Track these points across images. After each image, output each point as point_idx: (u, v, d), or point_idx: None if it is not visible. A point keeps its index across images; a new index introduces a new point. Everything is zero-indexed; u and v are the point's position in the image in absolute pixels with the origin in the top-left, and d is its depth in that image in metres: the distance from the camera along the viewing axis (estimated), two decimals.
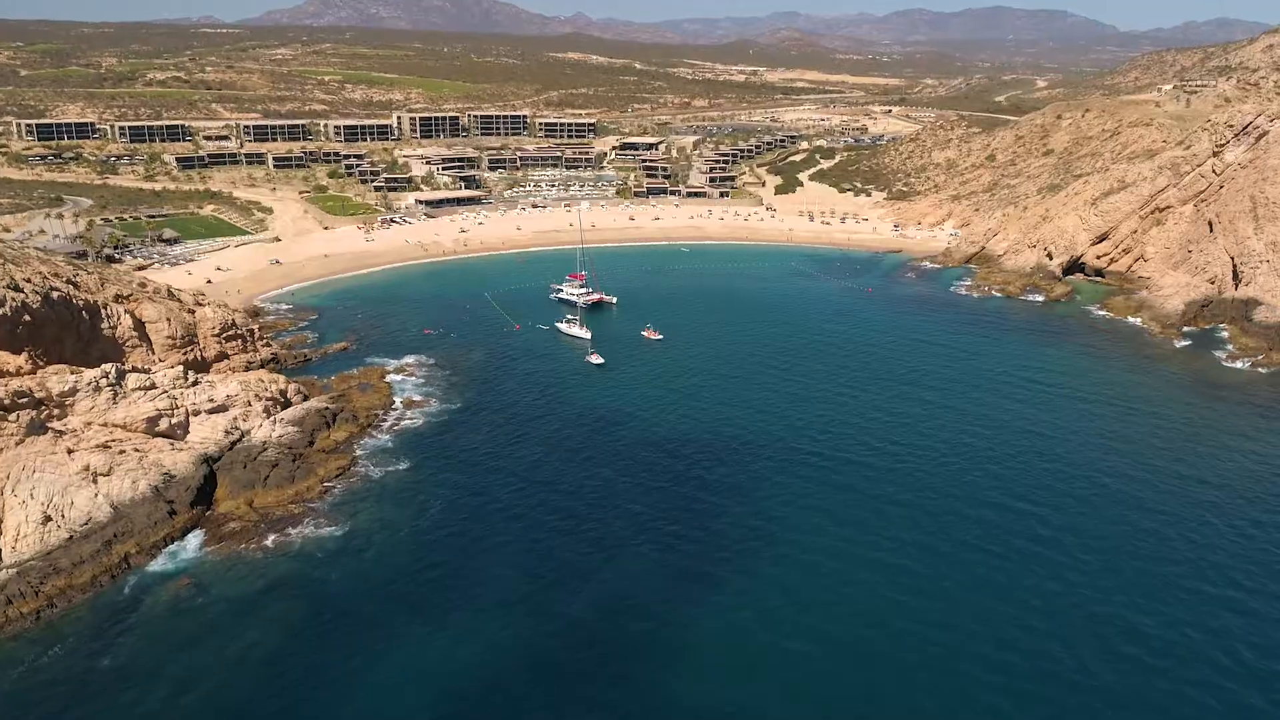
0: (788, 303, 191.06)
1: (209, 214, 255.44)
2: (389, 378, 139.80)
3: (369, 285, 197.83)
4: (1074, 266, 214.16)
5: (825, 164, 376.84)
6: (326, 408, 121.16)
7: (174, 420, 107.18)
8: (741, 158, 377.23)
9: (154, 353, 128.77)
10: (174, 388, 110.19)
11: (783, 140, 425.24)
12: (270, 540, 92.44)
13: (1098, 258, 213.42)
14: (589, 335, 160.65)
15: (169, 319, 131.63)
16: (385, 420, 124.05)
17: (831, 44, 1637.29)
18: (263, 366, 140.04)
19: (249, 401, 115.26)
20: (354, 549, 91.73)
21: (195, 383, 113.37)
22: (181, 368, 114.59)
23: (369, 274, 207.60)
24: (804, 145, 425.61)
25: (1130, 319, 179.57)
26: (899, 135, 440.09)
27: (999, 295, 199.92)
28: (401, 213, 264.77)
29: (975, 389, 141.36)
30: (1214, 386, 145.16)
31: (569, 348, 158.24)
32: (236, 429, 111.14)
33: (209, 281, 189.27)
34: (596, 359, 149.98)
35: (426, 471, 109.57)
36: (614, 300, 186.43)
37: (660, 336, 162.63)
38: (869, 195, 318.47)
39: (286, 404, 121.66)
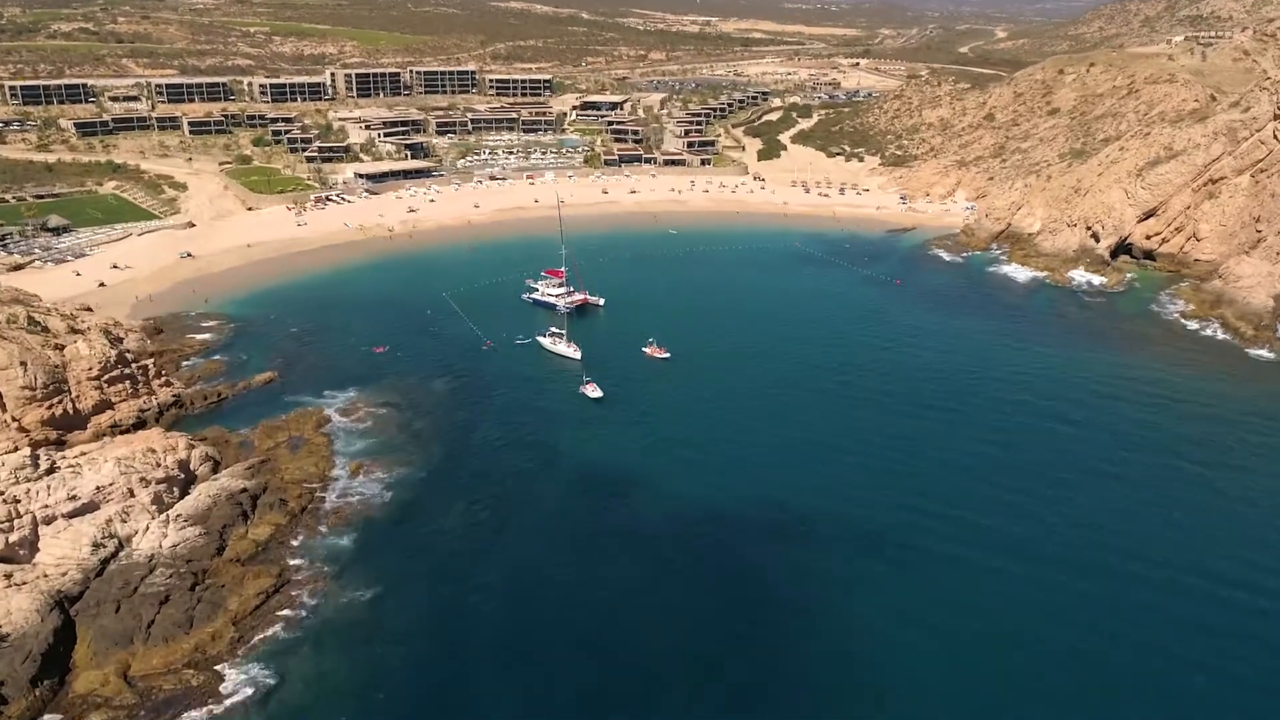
0: (809, 302, 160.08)
1: (110, 193, 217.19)
2: (328, 426, 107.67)
3: (301, 285, 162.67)
4: (1120, 248, 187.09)
5: (805, 124, 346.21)
6: (244, 488, 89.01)
7: (12, 537, 74.35)
8: (714, 117, 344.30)
9: (4, 411, 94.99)
10: (16, 483, 77.18)
11: (754, 97, 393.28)
12: None
13: (1147, 238, 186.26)
14: (579, 355, 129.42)
15: (25, 362, 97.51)
16: (325, 499, 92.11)
17: None
18: (160, 415, 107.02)
19: (130, 490, 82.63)
20: None
21: (51, 470, 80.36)
22: (29, 450, 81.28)
23: (301, 269, 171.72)
24: (777, 103, 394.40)
25: (1210, 317, 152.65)
26: (875, 90, 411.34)
27: (1048, 283, 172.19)
28: (339, 189, 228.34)
29: (1075, 424, 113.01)
30: None
31: (556, 372, 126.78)
32: (111, 538, 78.56)
33: (101, 285, 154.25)
34: (593, 390, 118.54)
35: (382, 589, 78.48)
36: (600, 301, 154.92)
37: (667, 354, 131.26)
38: (861, 160, 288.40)
39: (189, 481, 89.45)
